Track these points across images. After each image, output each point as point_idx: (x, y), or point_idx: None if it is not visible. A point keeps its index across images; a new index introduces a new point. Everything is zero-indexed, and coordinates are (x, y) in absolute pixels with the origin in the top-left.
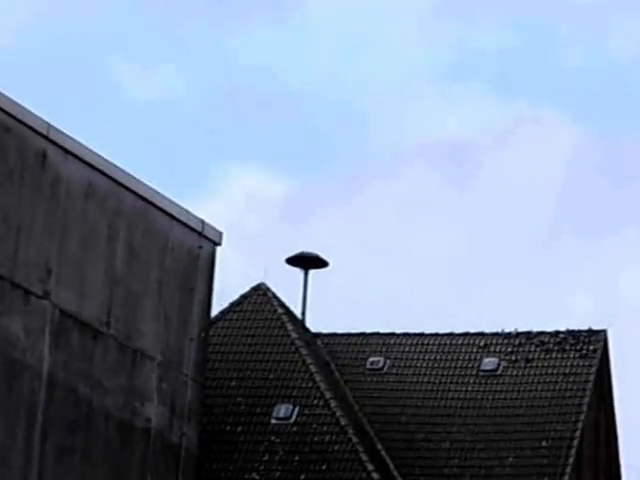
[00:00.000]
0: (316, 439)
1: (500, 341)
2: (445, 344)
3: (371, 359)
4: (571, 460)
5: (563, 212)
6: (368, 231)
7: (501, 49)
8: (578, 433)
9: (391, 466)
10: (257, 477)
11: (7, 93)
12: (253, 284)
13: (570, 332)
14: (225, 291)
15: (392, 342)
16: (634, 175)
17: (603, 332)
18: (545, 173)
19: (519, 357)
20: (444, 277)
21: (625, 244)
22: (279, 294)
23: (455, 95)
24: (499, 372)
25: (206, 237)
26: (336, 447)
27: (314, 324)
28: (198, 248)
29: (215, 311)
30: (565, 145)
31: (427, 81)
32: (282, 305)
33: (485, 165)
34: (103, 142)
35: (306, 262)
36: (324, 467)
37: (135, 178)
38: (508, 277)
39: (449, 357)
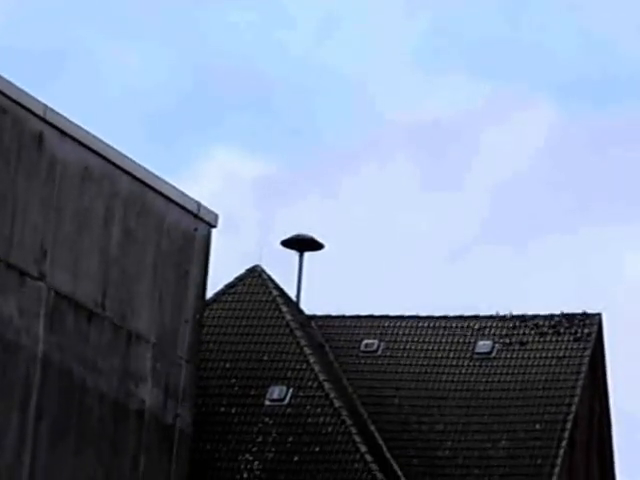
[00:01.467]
0: (310, 421)
1: (494, 324)
2: (439, 327)
3: (365, 341)
4: (564, 443)
5: (545, 194)
6: (351, 212)
7: (479, 29)
8: (571, 416)
9: (384, 448)
10: (251, 458)
11: (3, 74)
12: (248, 266)
13: (564, 315)
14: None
15: (386, 325)
16: (616, 151)
17: (598, 315)
18: (526, 151)
19: (513, 340)
20: (437, 258)
21: (617, 229)
22: (274, 276)
23: (433, 74)
24: (493, 355)
25: (202, 219)
26: (330, 429)
27: (309, 306)
28: (194, 230)
29: (210, 293)
30: (544, 124)
31: (404, 60)
32: (277, 287)
33: (466, 142)
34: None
35: (301, 244)
36: (317, 449)
37: (131, 160)
38: (500, 259)
39: (443, 340)
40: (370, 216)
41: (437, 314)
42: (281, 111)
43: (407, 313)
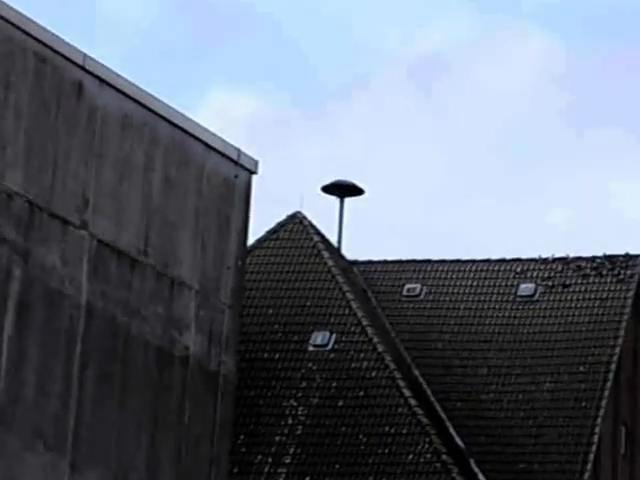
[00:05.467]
0: (353, 366)
1: (537, 267)
2: (482, 270)
3: (408, 286)
4: (609, 384)
5: (544, 125)
6: (348, 149)
7: None
8: (615, 357)
9: (428, 392)
10: (295, 404)
11: (42, 22)
12: (289, 213)
13: (607, 257)
14: None
15: (428, 269)
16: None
17: None
18: (523, 83)
19: (556, 282)
20: (451, 196)
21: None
22: (315, 222)
23: (430, 7)
24: (536, 298)
25: (242, 166)
26: (373, 374)
27: (350, 252)
28: (234, 177)
29: (251, 240)
30: (538, 56)
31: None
32: (318, 233)
33: (462, 76)
34: None
35: (342, 190)
36: (361, 393)
37: (171, 107)
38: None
39: (486, 283)
40: (367, 152)
41: (479, 258)
42: (274, 46)
43: (449, 257)
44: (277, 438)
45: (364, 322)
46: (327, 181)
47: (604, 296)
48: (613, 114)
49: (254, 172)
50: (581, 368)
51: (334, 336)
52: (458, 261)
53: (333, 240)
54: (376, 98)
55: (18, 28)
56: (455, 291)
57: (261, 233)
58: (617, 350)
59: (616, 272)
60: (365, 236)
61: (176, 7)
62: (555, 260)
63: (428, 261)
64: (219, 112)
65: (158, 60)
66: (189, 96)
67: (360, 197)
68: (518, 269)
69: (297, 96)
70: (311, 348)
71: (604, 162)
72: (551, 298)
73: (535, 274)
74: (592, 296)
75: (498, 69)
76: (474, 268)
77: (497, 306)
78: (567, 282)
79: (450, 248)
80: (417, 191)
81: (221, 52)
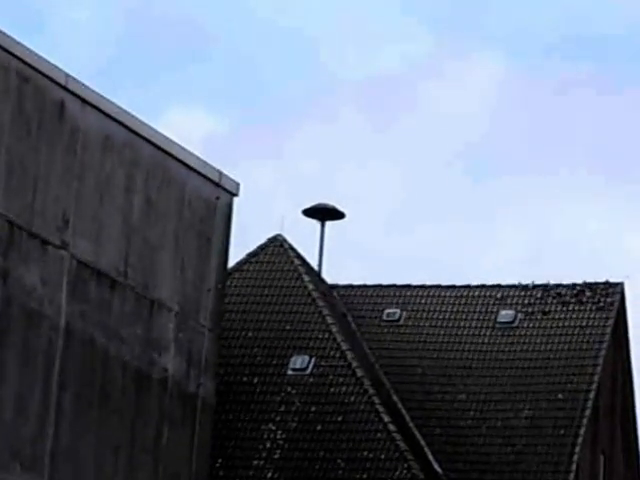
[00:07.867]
0: (332, 390)
1: (517, 293)
2: (462, 296)
3: (387, 311)
4: (587, 412)
5: (493, 150)
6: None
7: None
8: (594, 385)
9: (407, 417)
10: (273, 427)
11: (25, 42)
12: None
13: (587, 284)
14: None
15: (408, 294)
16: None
17: (620, 285)
18: (474, 104)
19: (536, 309)
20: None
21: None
22: (296, 245)
23: (381, 28)
24: (516, 324)
25: (223, 188)
26: (352, 398)
27: (331, 276)
28: (215, 199)
29: (232, 262)
30: (493, 80)
31: (357, 17)
32: (299, 256)
33: (414, 97)
34: None
35: (323, 213)
36: (340, 418)
37: (152, 128)
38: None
39: (466, 309)
40: (316, 174)
41: (459, 283)
42: (222, 66)
43: (429, 282)
44: (255, 462)
45: (343, 346)
46: (307, 204)
47: (584, 324)
48: (573, 137)
49: (235, 194)
50: (560, 395)
51: (313, 360)
52: (438, 286)
53: (313, 263)
54: (333, 118)
55: (0, 47)
56: (435, 316)
57: (241, 256)
58: (596, 378)
59: (596, 300)
60: (345, 260)
61: (125, 23)
62: (535, 287)
63: (408, 286)
64: (175, 133)
65: (113, 79)
66: (144, 115)
67: (341, 221)
68: (498, 295)
69: (252, 117)
70: (290, 372)
71: (578, 187)
72: (531, 325)
73: (515, 300)
74: (572, 323)
75: (456, 90)
76: (454, 294)
77: (477, 332)
78: (547, 309)
79: (430, 273)
80: (398, 216)
81: (177, 72)
